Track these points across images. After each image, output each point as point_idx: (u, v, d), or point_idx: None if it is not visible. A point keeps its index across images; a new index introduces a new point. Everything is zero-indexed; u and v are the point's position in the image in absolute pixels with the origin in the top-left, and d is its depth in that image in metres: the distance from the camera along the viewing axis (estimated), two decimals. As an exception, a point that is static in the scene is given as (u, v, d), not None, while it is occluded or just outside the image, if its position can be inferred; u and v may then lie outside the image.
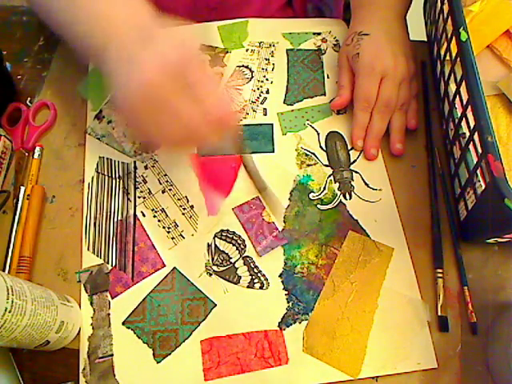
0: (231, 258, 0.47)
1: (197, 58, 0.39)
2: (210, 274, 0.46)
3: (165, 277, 0.46)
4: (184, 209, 0.50)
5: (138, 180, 0.51)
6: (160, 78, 0.36)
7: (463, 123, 0.45)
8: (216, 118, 0.39)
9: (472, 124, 0.41)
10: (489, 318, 0.44)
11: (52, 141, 0.54)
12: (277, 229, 0.48)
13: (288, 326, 0.44)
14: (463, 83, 0.42)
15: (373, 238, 0.48)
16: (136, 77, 0.37)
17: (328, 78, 0.58)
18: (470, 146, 0.43)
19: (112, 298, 0.45)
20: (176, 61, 0.37)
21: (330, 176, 0.52)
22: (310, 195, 0.50)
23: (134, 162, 0.52)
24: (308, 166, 0.52)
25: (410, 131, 0.53)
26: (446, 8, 0.50)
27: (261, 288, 0.46)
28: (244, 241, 0.48)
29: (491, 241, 0.45)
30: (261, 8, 0.68)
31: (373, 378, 0.42)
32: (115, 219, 0.49)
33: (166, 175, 0.52)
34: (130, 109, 0.39)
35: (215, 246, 0.48)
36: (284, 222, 0.49)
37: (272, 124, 0.55)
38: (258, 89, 0.57)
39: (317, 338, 0.43)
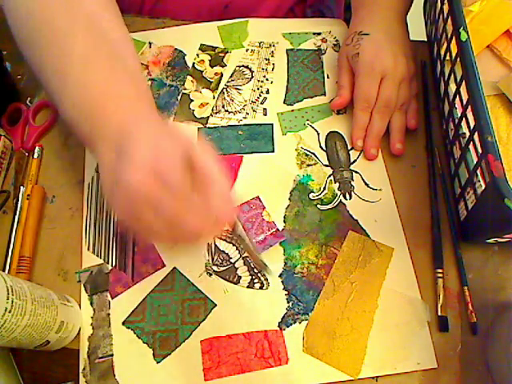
0: (231, 258, 0.47)
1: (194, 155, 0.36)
2: (210, 274, 0.46)
3: (165, 277, 0.46)
4: (184, 209, 0.50)
5: (138, 180, 0.51)
6: (145, 186, 0.34)
7: (463, 123, 0.45)
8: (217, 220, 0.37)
9: (472, 124, 0.41)
10: (489, 318, 0.44)
11: (52, 141, 0.54)
12: (277, 229, 0.48)
13: (288, 326, 0.44)
14: (463, 83, 0.42)
15: (373, 238, 0.48)
16: (124, 176, 0.34)
17: (328, 77, 0.58)
18: (470, 146, 0.43)
19: (112, 298, 0.45)
20: (167, 163, 0.35)
21: (330, 176, 0.52)
22: (310, 195, 0.50)
23: (134, 162, 0.52)
24: (308, 166, 0.52)
25: (410, 131, 0.53)
26: (445, 8, 0.49)
27: (261, 288, 0.46)
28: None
29: (491, 241, 0.45)
30: (267, 14, 0.68)
31: (373, 377, 0.42)
32: (115, 219, 0.49)
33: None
34: (118, 207, 0.37)
35: (215, 246, 0.48)
36: (284, 221, 0.49)
37: (272, 124, 0.55)
38: (258, 89, 0.57)
39: (317, 337, 0.43)
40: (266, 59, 0.60)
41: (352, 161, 0.53)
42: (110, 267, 0.47)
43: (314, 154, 0.53)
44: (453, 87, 0.47)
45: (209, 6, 0.67)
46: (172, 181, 0.34)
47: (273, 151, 0.53)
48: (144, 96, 0.42)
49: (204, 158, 0.36)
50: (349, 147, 0.54)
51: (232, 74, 0.59)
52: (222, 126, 0.55)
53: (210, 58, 0.60)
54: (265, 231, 0.48)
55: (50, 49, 0.42)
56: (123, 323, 0.44)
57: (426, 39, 0.61)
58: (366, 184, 0.51)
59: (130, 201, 0.35)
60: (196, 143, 0.37)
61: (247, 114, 0.55)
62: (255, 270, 0.46)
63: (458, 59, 0.44)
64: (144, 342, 0.43)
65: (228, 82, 0.58)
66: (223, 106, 0.56)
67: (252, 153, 0.53)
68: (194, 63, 0.60)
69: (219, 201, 0.36)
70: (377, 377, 0.42)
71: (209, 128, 0.55)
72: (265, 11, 0.68)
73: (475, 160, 0.41)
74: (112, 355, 0.43)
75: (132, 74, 0.42)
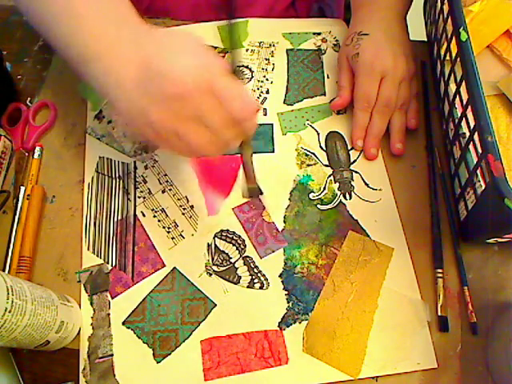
0: (231, 258, 0.47)
1: (218, 62, 0.36)
2: (210, 274, 0.46)
3: (165, 277, 0.46)
4: (184, 209, 0.50)
5: (138, 180, 0.51)
6: (189, 89, 0.34)
7: (463, 123, 0.45)
8: (241, 121, 0.37)
9: (472, 124, 0.41)
10: (489, 318, 0.44)
11: (52, 141, 0.54)
12: (277, 229, 0.48)
13: (288, 326, 0.44)
14: (463, 83, 0.42)
15: (373, 237, 0.48)
16: (161, 86, 0.35)
17: (328, 77, 0.58)
18: (470, 146, 0.43)
19: (112, 298, 0.45)
20: (199, 68, 0.35)
21: (330, 176, 0.52)
22: (310, 195, 0.50)
23: (134, 162, 0.52)
24: (308, 166, 0.52)
25: (410, 131, 0.53)
26: (445, 8, 0.49)
27: (261, 288, 0.46)
28: (244, 241, 0.48)
29: (491, 241, 0.45)
30: (264, 10, 0.68)
31: (373, 377, 0.42)
32: (115, 219, 0.49)
33: (165, 175, 0.52)
34: (147, 131, 0.37)
35: (215, 246, 0.48)
36: (284, 222, 0.49)
37: (272, 124, 0.55)
38: (258, 89, 0.57)
39: (317, 337, 0.43)
40: (266, 59, 0.60)
41: (352, 161, 0.53)
42: (109, 267, 0.47)
43: (313, 154, 0.53)
44: (453, 87, 0.47)
45: (195, 7, 0.67)
46: (221, 88, 0.34)
47: (273, 151, 0.53)
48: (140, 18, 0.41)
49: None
50: (349, 147, 0.54)
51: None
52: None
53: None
54: (265, 233, 0.48)
55: None
56: (123, 323, 0.44)
57: (426, 39, 0.61)
58: (366, 184, 0.51)
59: (175, 113, 0.35)
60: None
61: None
62: (255, 270, 0.46)
63: (458, 59, 0.44)
64: (144, 342, 0.43)
65: (228, 81, 0.58)
66: (223, 106, 0.56)
67: (253, 153, 0.53)
68: (194, 63, 0.60)
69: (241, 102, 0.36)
70: (377, 377, 0.42)
71: (209, 128, 0.55)
72: (263, 4, 0.68)
73: (475, 160, 0.41)
74: (112, 355, 0.43)
75: None
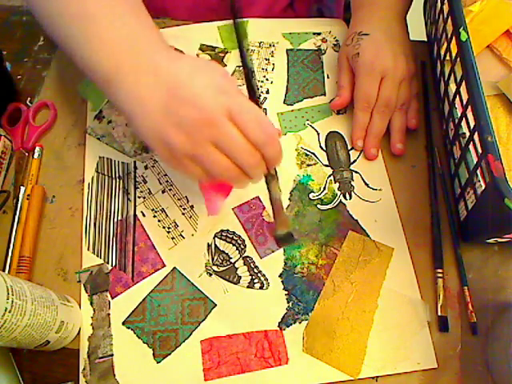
0: (231, 258, 0.47)
1: (234, 84, 0.37)
2: (210, 274, 0.46)
3: (165, 277, 0.46)
4: (184, 209, 0.50)
5: (138, 180, 0.51)
6: (210, 113, 0.35)
7: (463, 123, 0.45)
8: (260, 145, 0.37)
9: (472, 124, 0.40)
10: (489, 318, 0.44)
11: (52, 141, 0.54)
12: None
13: (288, 326, 0.44)
14: (463, 83, 0.42)
15: (373, 238, 0.48)
16: (184, 112, 0.36)
17: (328, 77, 0.58)
18: (470, 146, 0.43)
19: (112, 298, 0.45)
20: (220, 93, 0.36)
21: (330, 176, 0.52)
22: (310, 195, 0.50)
23: (134, 162, 0.52)
24: (308, 166, 0.52)
25: (410, 131, 0.53)
26: (445, 8, 0.49)
27: (261, 288, 0.46)
28: (244, 241, 0.48)
29: (491, 241, 0.45)
30: (263, 10, 0.68)
31: (373, 378, 0.42)
32: (115, 219, 0.49)
33: (166, 175, 0.52)
34: (169, 154, 0.37)
35: (215, 245, 0.48)
36: (284, 221, 0.49)
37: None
38: (258, 89, 0.57)
39: (317, 338, 0.43)
40: (266, 59, 0.60)
41: (352, 161, 0.53)
42: (109, 267, 0.47)
43: (313, 154, 0.53)
44: (453, 87, 0.47)
45: (194, 7, 0.67)
46: (239, 112, 0.35)
47: (273, 151, 0.53)
48: (162, 39, 0.42)
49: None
50: (349, 147, 0.54)
51: (232, 74, 0.59)
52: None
53: (209, 58, 0.60)
54: (265, 233, 0.48)
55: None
56: (123, 323, 0.44)
57: (426, 39, 0.61)
58: (366, 184, 0.51)
59: (196, 138, 0.35)
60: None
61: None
62: (255, 270, 0.46)
63: (458, 59, 0.44)
64: (144, 342, 0.43)
65: (228, 81, 0.58)
66: (223, 106, 0.56)
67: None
68: (194, 63, 0.60)
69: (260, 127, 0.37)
70: (377, 377, 0.42)
71: (209, 128, 0.55)
72: (262, 5, 0.68)
73: (475, 160, 0.41)
74: (112, 355, 0.43)
75: (147, 17, 0.43)
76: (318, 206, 0.50)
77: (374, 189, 0.51)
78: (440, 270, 0.46)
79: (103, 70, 0.39)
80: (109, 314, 0.45)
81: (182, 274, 0.46)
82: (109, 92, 0.40)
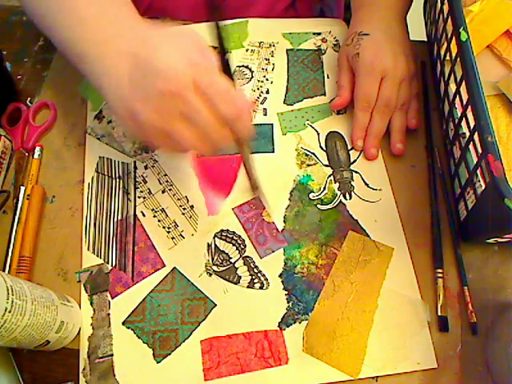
0: (231, 258, 0.47)
1: (208, 60, 0.37)
2: (210, 274, 0.46)
3: (165, 277, 0.46)
4: (184, 209, 0.50)
5: (138, 180, 0.51)
6: (175, 87, 0.34)
7: (463, 123, 0.45)
8: (230, 120, 0.37)
9: (472, 124, 0.41)
10: (489, 318, 0.44)
11: (52, 141, 0.54)
12: (277, 229, 0.48)
13: (288, 326, 0.44)
14: (463, 83, 0.42)
15: (373, 238, 0.48)
16: (150, 84, 0.35)
17: (328, 77, 0.58)
18: (470, 146, 0.43)
19: (112, 298, 0.45)
20: (188, 66, 0.35)
21: (330, 176, 0.52)
22: (310, 195, 0.50)
23: (134, 162, 0.52)
24: (308, 166, 0.52)
25: (410, 131, 0.53)
26: (445, 8, 0.49)
27: (261, 288, 0.46)
28: (244, 241, 0.48)
29: (491, 241, 0.45)
30: (265, 10, 0.68)
31: (373, 378, 0.42)
32: (115, 219, 0.49)
33: (166, 175, 0.52)
34: (139, 127, 0.37)
35: (215, 246, 0.48)
36: (284, 221, 0.49)
37: (272, 124, 0.55)
38: (258, 89, 0.57)
39: (317, 338, 0.43)
40: (266, 59, 0.60)
41: (352, 161, 0.53)
42: (109, 267, 0.47)
43: (313, 154, 0.53)
44: (453, 87, 0.47)
45: (195, 7, 0.67)
46: (208, 85, 0.35)
47: (273, 151, 0.53)
48: (135, 11, 0.42)
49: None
50: (349, 147, 0.54)
51: (232, 74, 0.59)
52: (221, 126, 0.55)
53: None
54: (265, 233, 0.48)
55: None
56: (123, 323, 0.44)
57: (426, 39, 0.61)
58: (366, 184, 0.51)
59: (163, 112, 0.35)
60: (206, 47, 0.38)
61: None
62: (255, 270, 0.46)
63: (458, 59, 0.44)
64: (144, 342, 0.43)
65: (228, 81, 0.58)
66: (223, 106, 0.56)
67: (252, 153, 0.53)
68: (194, 63, 0.59)
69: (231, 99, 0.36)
70: (377, 377, 0.42)
71: (209, 128, 0.55)
72: (263, 5, 0.68)
73: (475, 160, 0.41)
74: (112, 355, 0.43)
75: None
76: (318, 206, 0.50)
77: (374, 189, 0.51)
78: (440, 270, 0.46)
79: (76, 44, 0.40)
80: (109, 314, 0.45)
81: (182, 274, 0.46)
82: (82, 67, 0.40)
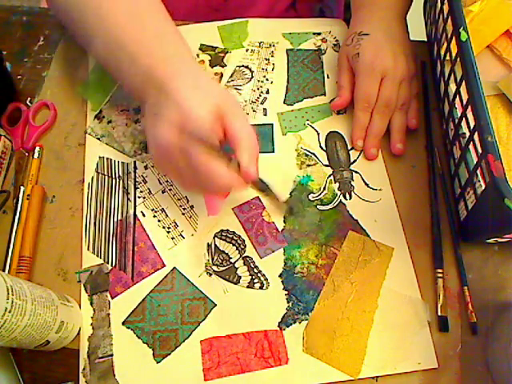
0: (231, 258, 0.47)
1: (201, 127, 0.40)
2: (210, 274, 0.46)
3: (165, 277, 0.46)
4: (184, 209, 0.50)
5: (137, 180, 0.51)
6: (166, 151, 0.41)
7: (463, 123, 0.45)
8: (209, 191, 0.44)
9: (472, 124, 0.41)
10: (489, 318, 0.44)
11: (52, 141, 0.54)
12: (277, 229, 0.48)
13: (288, 326, 0.44)
14: (463, 83, 0.42)
15: (373, 237, 0.48)
16: (157, 134, 0.41)
17: (328, 77, 0.58)
18: (470, 146, 0.43)
19: (112, 298, 0.45)
20: (178, 134, 0.40)
21: (330, 176, 0.52)
22: (310, 196, 0.50)
23: (134, 162, 0.52)
24: (308, 166, 0.52)
25: (410, 131, 0.53)
26: (445, 8, 0.49)
27: (261, 288, 0.46)
28: (244, 241, 0.48)
29: (491, 241, 0.45)
30: (265, 11, 0.69)
31: (373, 378, 0.42)
32: (115, 219, 0.49)
33: (166, 175, 0.52)
34: (154, 158, 0.45)
35: (215, 246, 0.48)
36: (284, 222, 0.49)
37: (272, 124, 0.55)
38: (258, 89, 0.57)
39: (317, 337, 0.43)
40: (266, 59, 0.60)
41: (352, 161, 0.53)
42: (109, 267, 0.47)
43: (313, 154, 0.53)
44: (453, 87, 0.47)
45: (195, 7, 0.67)
46: (198, 137, 0.39)
47: (273, 151, 0.53)
48: (187, 50, 0.46)
49: (234, 118, 0.42)
50: (349, 147, 0.54)
51: (232, 74, 0.59)
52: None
53: (209, 58, 0.60)
54: (265, 233, 0.48)
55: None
56: (123, 323, 0.44)
57: (426, 39, 0.61)
58: (366, 184, 0.51)
59: (162, 152, 0.42)
60: (228, 98, 0.43)
61: (247, 114, 0.55)
62: (255, 270, 0.46)
63: (458, 59, 0.44)
64: (144, 342, 0.43)
65: (228, 82, 0.58)
66: (223, 106, 0.56)
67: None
68: (194, 63, 0.60)
69: (246, 156, 0.41)
70: (377, 377, 0.42)
71: (209, 128, 0.55)
72: (263, 5, 0.68)
73: (475, 160, 0.41)
74: (112, 355, 0.43)
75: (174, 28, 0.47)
76: (318, 206, 0.50)
77: (374, 189, 0.51)
78: (440, 270, 0.46)
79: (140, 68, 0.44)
80: (109, 314, 0.45)
81: (182, 274, 0.46)
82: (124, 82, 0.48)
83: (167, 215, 0.49)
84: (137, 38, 0.44)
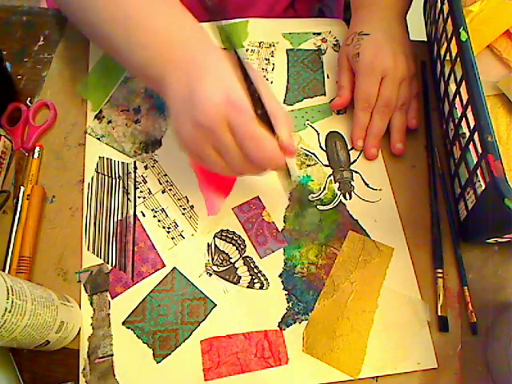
0: (231, 258, 0.47)
1: (243, 102, 0.39)
2: (210, 274, 0.46)
3: (165, 277, 0.46)
4: (184, 209, 0.50)
5: (137, 180, 0.51)
6: (210, 122, 0.38)
7: (463, 123, 0.45)
8: (257, 163, 0.40)
9: (472, 124, 0.41)
10: (489, 318, 0.44)
11: (52, 141, 0.54)
12: (277, 229, 0.48)
13: (288, 326, 0.44)
14: (463, 83, 0.42)
15: (373, 238, 0.48)
16: (198, 112, 0.38)
17: (328, 77, 0.58)
18: (470, 146, 0.43)
19: (112, 298, 0.45)
20: (225, 103, 0.38)
21: (329, 176, 0.52)
22: (310, 196, 0.50)
23: (134, 162, 0.52)
24: (308, 166, 0.52)
25: (410, 131, 0.53)
26: (445, 8, 0.49)
27: (261, 288, 0.46)
28: (244, 241, 0.48)
29: (491, 241, 0.45)
30: (264, 11, 0.68)
31: (373, 378, 0.42)
32: (115, 219, 0.49)
33: (166, 175, 0.52)
34: (182, 143, 0.42)
35: (215, 245, 0.48)
36: (284, 222, 0.49)
37: (272, 124, 0.55)
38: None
39: (317, 338, 0.43)
40: (266, 59, 0.60)
41: (352, 161, 0.53)
42: (109, 267, 0.47)
43: (313, 154, 0.53)
44: (453, 87, 0.47)
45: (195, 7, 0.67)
46: (245, 107, 0.38)
47: (273, 151, 0.53)
48: (206, 36, 0.45)
49: (268, 96, 0.40)
50: (349, 147, 0.54)
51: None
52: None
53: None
54: (265, 233, 0.48)
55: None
56: (123, 323, 0.44)
57: (426, 39, 0.61)
58: (366, 184, 0.51)
59: (204, 131, 0.39)
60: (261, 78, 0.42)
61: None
62: (255, 270, 0.46)
63: (458, 59, 0.44)
64: (144, 342, 0.43)
65: (228, 81, 0.58)
66: (223, 106, 0.56)
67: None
68: (194, 63, 0.59)
69: (286, 130, 0.40)
70: (377, 377, 0.42)
71: (209, 128, 0.55)
72: (263, 5, 0.68)
73: (475, 160, 0.41)
74: (112, 355, 0.43)
75: (187, 14, 0.45)
76: (318, 206, 0.50)
77: (374, 189, 0.51)
78: (440, 270, 0.46)
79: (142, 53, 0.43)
80: (109, 314, 0.45)
81: (182, 274, 0.46)
82: (147, 79, 0.46)
83: (167, 215, 0.49)
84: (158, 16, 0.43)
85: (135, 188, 0.51)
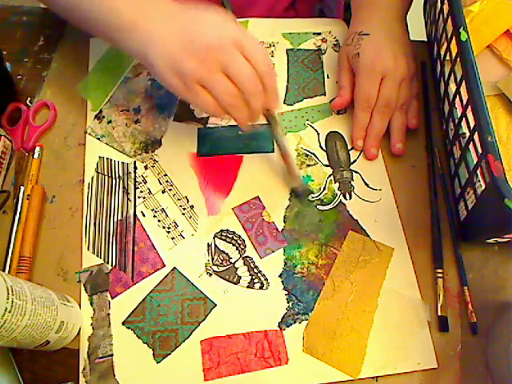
0: (231, 258, 0.47)
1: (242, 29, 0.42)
2: (210, 274, 0.46)
3: (165, 277, 0.46)
4: (184, 209, 0.50)
5: (137, 180, 0.51)
6: (220, 43, 0.40)
7: (463, 123, 0.45)
8: (263, 73, 0.41)
9: (472, 124, 0.41)
10: (489, 318, 0.44)
11: (52, 141, 0.54)
12: (277, 229, 0.48)
13: (288, 326, 0.44)
14: (463, 83, 0.42)
15: (373, 238, 0.48)
16: (196, 41, 0.40)
17: (328, 77, 0.58)
18: (470, 146, 0.43)
19: (112, 298, 0.45)
20: (231, 28, 0.41)
21: (329, 176, 0.52)
22: (310, 196, 0.50)
23: (134, 162, 0.52)
24: (308, 166, 0.52)
25: (410, 131, 0.53)
26: (445, 8, 0.49)
27: (261, 288, 0.46)
28: (244, 241, 0.48)
29: (491, 241, 0.45)
30: (265, 11, 0.68)
31: (373, 377, 0.42)
32: (115, 219, 0.49)
33: (166, 175, 0.52)
34: (181, 82, 0.42)
35: (215, 245, 0.48)
36: (284, 222, 0.49)
37: (272, 124, 0.55)
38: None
39: (317, 338, 0.43)
40: (266, 59, 0.60)
41: (352, 161, 0.53)
42: (109, 267, 0.47)
43: (313, 154, 0.53)
44: (453, 87, 0.47)
45: None
46: (247, 43, 0.41)
47: (273, 151, 0.53)
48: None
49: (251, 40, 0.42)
50: (349, 147, 0.54)
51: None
52: (221, 126, 0.55)
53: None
54: (265, 233, 0.48)
55: None
56: (123, 323, 0.44)
57: (426, 39, 0.61)
58: (366, 184, 0.51)
59: (206, 62, 0.40)
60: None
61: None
62: (255, 270, 0.46)
63: (458, 59, 0.44)
64: (144, 342, 0.43)
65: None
66: (223, 106, 0.56)
67: (252, 153, 0.53)
68: (194, 63, 0.59)
69: (265, 67, 0.42)
70: (377, 377, 0.42)
71: (209, 128, 0.55)
72: (263, 5, 0.68)
73: (475, 160, 0.41)
74: (112, 355, 0.43)
75: None
76: (318, 206, 0.50)
77: (374, 189, 0.51)
78: (440, 270, 0.46)
79: (126, 17, 0.44)
80: (109, 314, 0.45)
81: (182, 274, 0.46)
82: (129, 37, 0.44)
83: (167, 215, 0.49)
84: None
85: (135, 188, 0.51)
